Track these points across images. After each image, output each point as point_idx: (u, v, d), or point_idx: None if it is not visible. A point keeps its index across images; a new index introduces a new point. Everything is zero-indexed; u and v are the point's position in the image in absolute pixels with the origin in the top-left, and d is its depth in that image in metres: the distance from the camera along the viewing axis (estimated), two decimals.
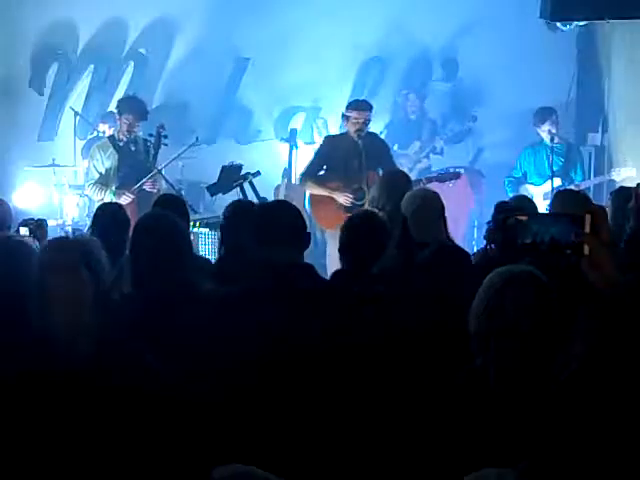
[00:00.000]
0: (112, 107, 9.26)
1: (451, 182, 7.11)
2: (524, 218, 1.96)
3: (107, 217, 5.03)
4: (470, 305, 2.66)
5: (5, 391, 2.39)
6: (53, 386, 2.38)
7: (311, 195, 7.32)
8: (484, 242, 4.33)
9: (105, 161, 7.37)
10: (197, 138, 7.82)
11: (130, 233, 3.96)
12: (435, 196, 4.75)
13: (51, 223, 6.61)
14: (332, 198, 7.08)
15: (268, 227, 3.32)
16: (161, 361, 3.12)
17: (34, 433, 2.34)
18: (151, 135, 7.42)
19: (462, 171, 7.93)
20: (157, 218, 3.81)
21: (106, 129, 8.73)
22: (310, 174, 7.27)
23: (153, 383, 2.42)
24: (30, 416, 2.36)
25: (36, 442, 2.34)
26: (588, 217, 1.90)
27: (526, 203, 4.97)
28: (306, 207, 7.46)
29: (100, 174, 7.38)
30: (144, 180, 7.19)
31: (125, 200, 6.90)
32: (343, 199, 7.03)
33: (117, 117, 7.58)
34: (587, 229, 1.89)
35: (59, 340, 2.43)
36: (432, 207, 4.65)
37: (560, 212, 1.98)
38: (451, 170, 7.86)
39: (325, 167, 7.25)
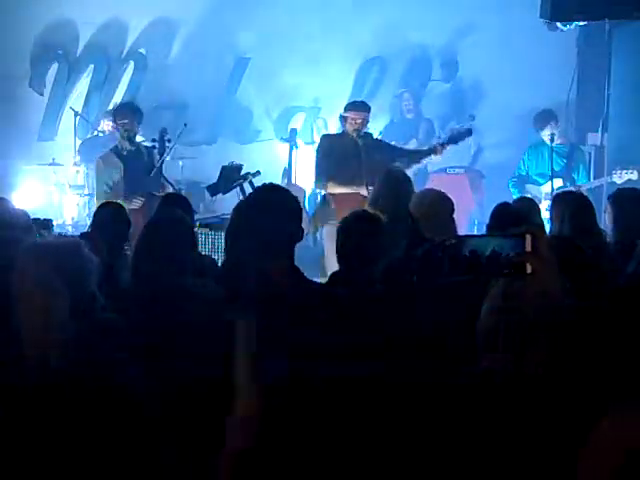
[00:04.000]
0: (112, 106, 9.29)
1: (464, 141, 7.13)
2: (462, 240, 1.93)
3: (107, 216, 5.03)
4: (469, 302, 2.65)
5: None
6: (20, 401, 2.30)
7: (333, 194, 7.22)
8: None
9: (111, 172, 7.35)
10: (185, 124, 7.79)
11: (131, 233, 3.96)
12: (446, 197, 4.75)
13: None
14: (357, 193, 6.97)
15: (254, 221, 3.13)
16: (155, 358, 3.12)
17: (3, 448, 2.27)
18: (154, 140, 7.42)
19: (470, 130, 7.59)
20: (169, 216, 3.83)
21: (107, 127, 8.74)
22: (327, 174, 7.21)
23: (129, 399, 2.31)
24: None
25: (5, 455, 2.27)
26: (528, 237, 1.88)
27: (529, 204, 4.95)
28: (319, 207, 7.38)
29: (108, 186, 7.35)
30: (152, 173, 7.18)
31: (136, 204, 6.88)
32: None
33: (114, 124, 7.62)
34: (528, 248, 1.87)
35: (29, 354, 2.32)
36: (443, 208, 4.66)
37: (519, 222, 1.97)
38: (458, 128, 7.68)
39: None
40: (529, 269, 1.86)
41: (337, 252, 4.06)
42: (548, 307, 1.86)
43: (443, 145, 7.27)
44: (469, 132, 7.37)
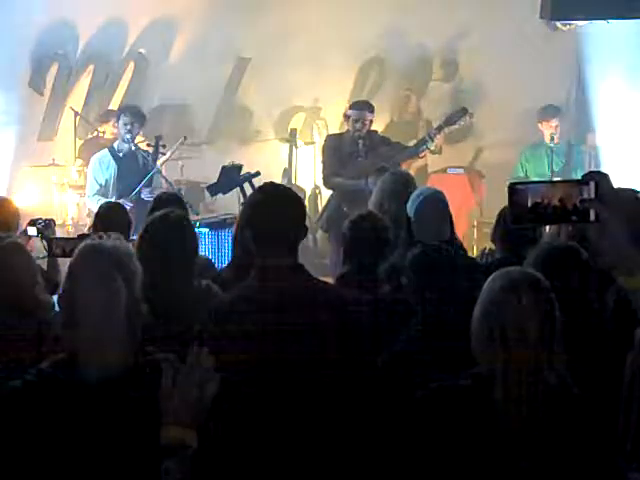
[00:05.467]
0: (112, 106, 9.30)
1: (462, 121, 7.11)
2: (531, 185, 1.91)
3: (109, 217, 5.04)
4: (461, 306, 2.65)
5: (26, 406, 2.30)
6: (80, 402, 2.29)
7: (342, 193, 7.21)
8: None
9: (104, 172, 7.37)
10: (185, 137, 7.85)
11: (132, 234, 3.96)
12: (440, 195, 4.72)
13: None
14: (364, 191, 6.96)
15: (258, 220, 3.16)
16: None
17: (57, 449, 2.26)
18: (149, 145, 7.45)
19: (465, 108, 7.61)
20: (170, 217, 3.82)
21: (106, 128, 8.74)
22: (334, 172, 7.23)
23: None
24: (52, 435, 2.27)
25: (58, 457, 2.26)
26: (592, 183, 1.86)
27: None
28: (331, 210, 7.36)
29: (100, 185, 7.38)
30: (142, 183, 7.19)
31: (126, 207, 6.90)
32: None
33: (115, 124, 7.63)
34: (592, 195, 1.86)
35: (88, 352, 2.31)
36: (437, 206, 4.63)
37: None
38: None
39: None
40: (593, 216, 1.84)
41: (344, 253, 4.07)
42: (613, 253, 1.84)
43: (440, 128, 7.26)
44: (464, 110, 7.34)
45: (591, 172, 1.88)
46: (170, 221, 3.77)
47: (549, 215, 1.87)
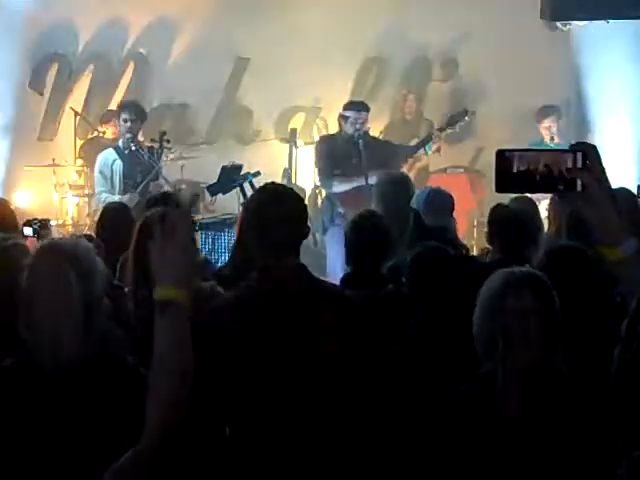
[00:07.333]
0: (112, 107, 9.29)
1: (462, 123, 7.12)
2: (518, 152, 1.88)
3: (113, 216, 5.04)
4: (462, 305, 2.65)
5: None
6: (36, 394, 2.31)
7: (338, 195, 7.20)
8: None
9: (110, 169, 7.36)
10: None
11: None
12: (447, 195, 4.76)
13: None
14: (361, 192, 6.94)
15: (260, 220, 3.16)
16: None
17: (14, 438, 2.28)
18: (153, 140, 7.45)
19: (466, 110, 7.61)
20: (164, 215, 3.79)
21: (107, 129, 8.74)
22: (331, 174, 7.23)
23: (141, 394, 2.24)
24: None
25: (15, 445, 2.27)
26: (580, 153, 1.84)
27: (527, 204, 4.94)
28: (324, 209, 7.37)
29: (106, 182, 7.38)
30: (147, 179, 7.20)
31: (132, 202, 6.89)
32: None
33: (117, 122, 7.64)
34: (579, 164, 1.84)
35: (42, 348, 2.33)
36: (443, 205, 4.66)
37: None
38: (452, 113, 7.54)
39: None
40: (579, 186, 1.82)
41: (347, 252, 4.07)
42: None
43: (441, 129, 7.27)
44: (465, 112, 7.34)
45: (579, 142, 1.86)
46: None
47: (535, 183, 1.85)
